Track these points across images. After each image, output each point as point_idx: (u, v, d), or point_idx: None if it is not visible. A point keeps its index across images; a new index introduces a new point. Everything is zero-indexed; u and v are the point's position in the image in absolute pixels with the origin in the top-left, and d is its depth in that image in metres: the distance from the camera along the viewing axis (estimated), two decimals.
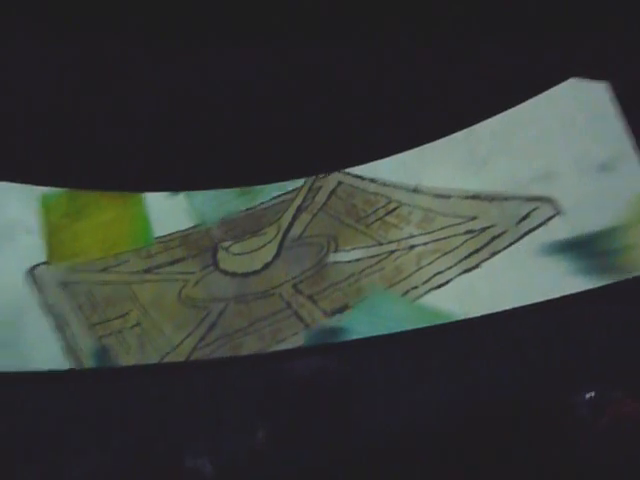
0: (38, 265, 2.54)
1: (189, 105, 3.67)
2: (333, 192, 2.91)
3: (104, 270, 2.63)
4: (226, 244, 2.84)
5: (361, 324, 2.61)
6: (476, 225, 2.72)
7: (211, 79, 3.78)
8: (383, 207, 2.86)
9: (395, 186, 2.88)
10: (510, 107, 2.90)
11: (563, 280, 2.40)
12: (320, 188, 2.94)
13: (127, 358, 2.55)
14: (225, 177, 3.26)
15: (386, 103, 3.59)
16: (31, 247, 2.55)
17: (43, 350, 2.42)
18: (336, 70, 3.74)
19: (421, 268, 2.74)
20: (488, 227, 2.68)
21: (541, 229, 2.57)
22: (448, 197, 2.80)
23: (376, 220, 2.85)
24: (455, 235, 2.75)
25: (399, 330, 2.56)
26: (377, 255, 2.80)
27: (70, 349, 2.42)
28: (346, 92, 3.59)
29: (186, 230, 2.83)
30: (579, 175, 2.50)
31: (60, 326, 2.47)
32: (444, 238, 2.77)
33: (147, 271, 2.67)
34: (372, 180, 2.91)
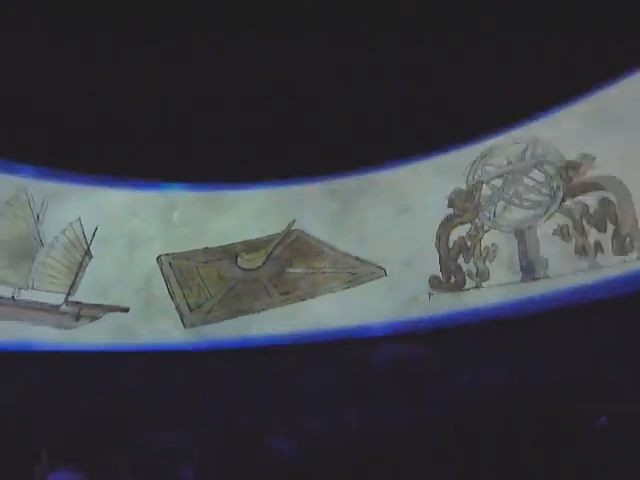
0: (161, 255, 5.70)
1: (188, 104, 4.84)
2: (295, 240, 6.02)
3: (187, 259, 5.80)
4: (242, 254, 5.99)
5: None
6: (354, 271, 5.88)
7: (211, 78, 4.79)
8: (316, 252, 5.99)
9: (324, 244, 5.98)
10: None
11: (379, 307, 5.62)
12: (289, 236, 6.04)
13: (192, 298, 5.79)
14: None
15: (385, 104, 5.09)
16: (159, 246, 5.69)
17: (160, 292, 5.66)
18: (336, 70, 4.92)
19: (325, 283, 5.94)
20: (357, 272, 5.84)
21: (379, 279, 5.73)
22: (347, 255, 5.92)
23: (311, 257, 5.99)
24: (345, 273, 5.92)
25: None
26: (308, 273, 5.97)
27: (171, 295, 5.67)
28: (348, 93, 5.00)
29: (226, 245, 5.96)
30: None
31: (167, 284, 5.69)
32: (339, 272, 5.94)
33: (206, 262, 5.86)
34: (317, 240, 6.01)
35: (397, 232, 5.86)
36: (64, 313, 5.28)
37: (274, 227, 6.04)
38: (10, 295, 5.10)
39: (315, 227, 6.02)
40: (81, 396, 4.32)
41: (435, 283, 5.79)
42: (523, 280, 5.44)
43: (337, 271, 5.94)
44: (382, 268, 5.81)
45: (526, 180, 5.52)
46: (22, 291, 5.16)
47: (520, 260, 5.50)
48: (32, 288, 5.18)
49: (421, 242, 5.78)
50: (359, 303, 5.84)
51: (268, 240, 6.04)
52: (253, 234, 6.03)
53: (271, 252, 6.02)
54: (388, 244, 5.85)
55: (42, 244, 5.31)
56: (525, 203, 5.47)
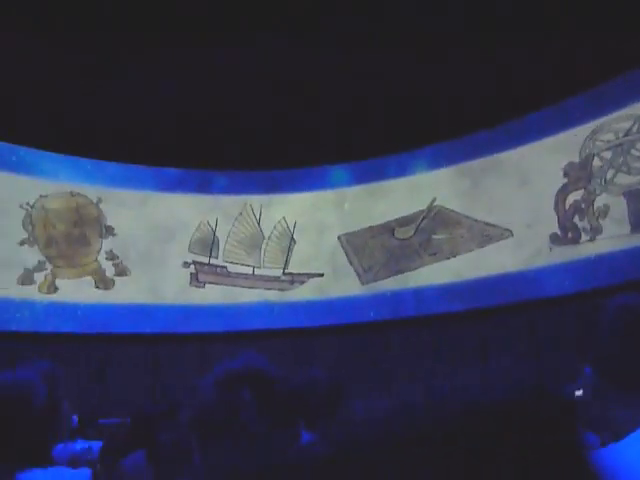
0: (340, 235, 7.74)
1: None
2: (437, 213, 7.59)
3: (358, 236, 7.76)
4: (397, 228, 7.77)
5: None
6: (486, 233, 7.32)
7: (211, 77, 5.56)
8: (455, 221, 7.52)
9: (460, 214, 7.46)
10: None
11: None
12: (432, 210, 7.62)
13: (364, 264, 7.80)
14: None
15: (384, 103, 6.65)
16: (338, 229, 7.73)
17: (342, 261, 7.75)
18: (338, 70, 6.03)
19: (463, 245, 7.50)
20: (488, 235, 7.27)
21: (507, 239, 7.12)
22: (479, 221, 7.36)
23: (451, 225, 7.54)
24: (479, 236, 7.40)
25: None
26: (449, 237, 7.56)
27: (350, 263, 7.73)
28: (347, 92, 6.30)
29: (385, 222, 7.78)
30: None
31: (346, 255, 7.74)
32: (474, 235, 7.43)
33: (372, 237, 7.77)
34: (454, 212, 7.52)
35: (520, 200, 7.11)
36: (283, 281, 7.67)
37: (419, 205, 7.70)
38: (251, 272, 7.61)
39: (451, 202, 7.54)
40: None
41: (554, 239, 7.00)
42: (632, 233, 6.42)
43: (472, 235, 7.45)
44: (509, 230, 7.17)
45: (632, 151, 6.31)
46: (256, 269, 7.64)
47: (628, 216, 6.45)
48: (262, 267, 7.64)
49: (541, 207, 6.98)
50: (492, 258, 7.34)
51: (416, 215, 7.73)
52: (404, 212, 7.77)
53: (419, 224, 7.72)
54: (513, 211, 7.15)
55: (263, 237, 7.69)
56: (632, 170, 6.32)
